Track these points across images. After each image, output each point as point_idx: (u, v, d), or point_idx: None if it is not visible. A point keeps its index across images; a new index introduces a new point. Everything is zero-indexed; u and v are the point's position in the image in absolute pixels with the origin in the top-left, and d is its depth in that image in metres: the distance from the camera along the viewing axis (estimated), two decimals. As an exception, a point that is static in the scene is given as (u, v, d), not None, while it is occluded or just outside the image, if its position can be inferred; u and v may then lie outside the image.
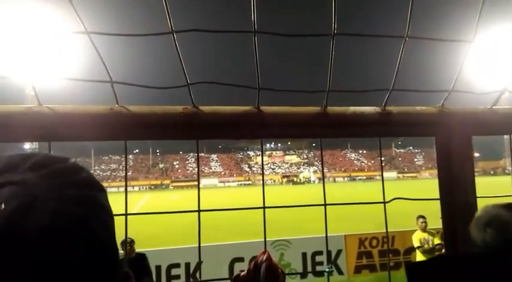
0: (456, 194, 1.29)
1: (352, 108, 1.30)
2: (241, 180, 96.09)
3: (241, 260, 9.38)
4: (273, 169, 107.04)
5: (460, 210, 1.28)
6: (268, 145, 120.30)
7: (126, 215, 1.12)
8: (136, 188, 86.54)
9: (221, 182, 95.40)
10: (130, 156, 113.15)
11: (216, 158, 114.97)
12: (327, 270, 1.38)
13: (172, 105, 1.25)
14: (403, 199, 1.34)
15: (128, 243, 6.47)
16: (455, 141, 1.31)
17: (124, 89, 1.19)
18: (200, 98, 1.31)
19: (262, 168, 1.41)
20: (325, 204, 1.33)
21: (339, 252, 9.95)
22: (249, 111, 1.27)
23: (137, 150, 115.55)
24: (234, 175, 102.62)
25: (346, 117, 1.29)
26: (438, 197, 1.33)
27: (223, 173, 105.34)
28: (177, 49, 1.08)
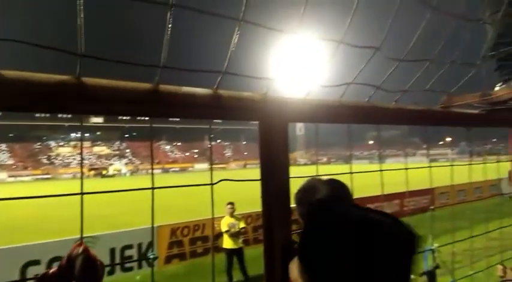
0: (274, 175, 1.41)
1: (185, 88, 1.27)
2: (38, 174, 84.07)
3: (36, 263, 8.23)
4: (78, 161, 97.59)
5: (277, 189, 1.41)
6: (73, 134, 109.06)
7: None
8: None
9: (11, 176, 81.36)
10: None
11: (6, 148, 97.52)
12: (151, 256, 1.31)
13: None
14: (229, 180, 1.40)
15: None
16: (275, 127, 1.43)
17: None
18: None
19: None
20: (152, 188, 1.26)
21: (150, 244, 9.84)
22: (67, 81, 1.09)
23: None
24: (29, 168, 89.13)
25: (179, 96, 1.25)
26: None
27: (14, 166, 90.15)
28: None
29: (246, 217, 8.83)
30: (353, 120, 1.79)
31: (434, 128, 2.24)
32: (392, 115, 1.94)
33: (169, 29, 1.07)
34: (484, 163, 2.74)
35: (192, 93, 1.28)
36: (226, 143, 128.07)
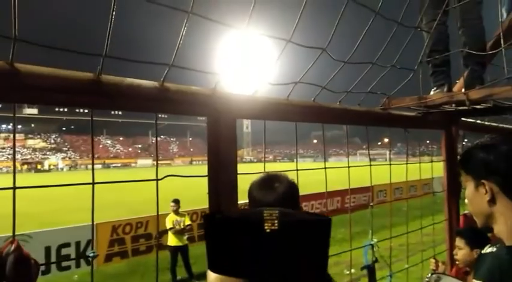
0: (222, 170, 1.40)
1: (129, 80, 1.22)
2: (-47, 167, 76.76)
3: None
4: (10, 154, 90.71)
5: (225, 185, 1.40)
6: (4, 126, 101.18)
7: None
8: None
9: None
10: None
11: None
12: (91, 254, 1.25)
13: None
14: (175, 176, 1.36)
15: None
16: (223, 123, 1.42)
17: None
18: None
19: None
20: (93, 183, 1.20)
21: (89, 242, 9.39)
22: (-2, 67, 1.00)
23: None
24: None
25: (122, 88, 1.20)
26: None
27: None
28: None
29: (191, 214, 8.72)
30: (300, 118, 1.82)
31: (373, 129, 2.35)
32: (336, 115, 2.01)
33: (112, 17, 1.02)
34: (418, 163, 2.92)
35: (137, 85, 1.23)
36: (171, 139, 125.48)
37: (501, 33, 2.06)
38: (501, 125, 3.58)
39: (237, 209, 1.41)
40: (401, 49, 2.03)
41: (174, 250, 8.44)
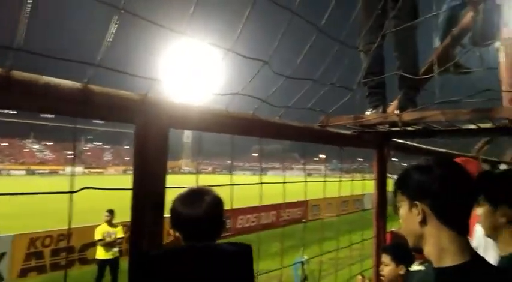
0: (148, 184, 1.29)
1: (46, 78, 1.08)
2: None
3: None
4: None
5: (150, 200, 1.29)
6: None
7: None
8: None
9: None
10: None
11: None
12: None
13: None
14: (93, 188, 1.22)
15: None
16: (153, 132, 1.31)
17: None
18: None
19: None
20: (-7, 194, 1.03)
21: (2, 255, 8.50)
22: None
23: None
24: None
25: (38, 87, 1.05)
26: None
27: None
28: None
29: (125, 225, 8.17)
30: (238, 131, 1.76)
31: (311, 145, 2.36)
32: (274, 130, 1.98)
33: (28, 5, 0.89)
34: (351, 180, 2.99)
35: (56, 84, 1.09)
36: (106, 146, 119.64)
37: (434, 60, 2.18)
38: (429, 147, 3.81)
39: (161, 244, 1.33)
40: (341, 68, 2.06)
41: (102, 263, 7.90)
